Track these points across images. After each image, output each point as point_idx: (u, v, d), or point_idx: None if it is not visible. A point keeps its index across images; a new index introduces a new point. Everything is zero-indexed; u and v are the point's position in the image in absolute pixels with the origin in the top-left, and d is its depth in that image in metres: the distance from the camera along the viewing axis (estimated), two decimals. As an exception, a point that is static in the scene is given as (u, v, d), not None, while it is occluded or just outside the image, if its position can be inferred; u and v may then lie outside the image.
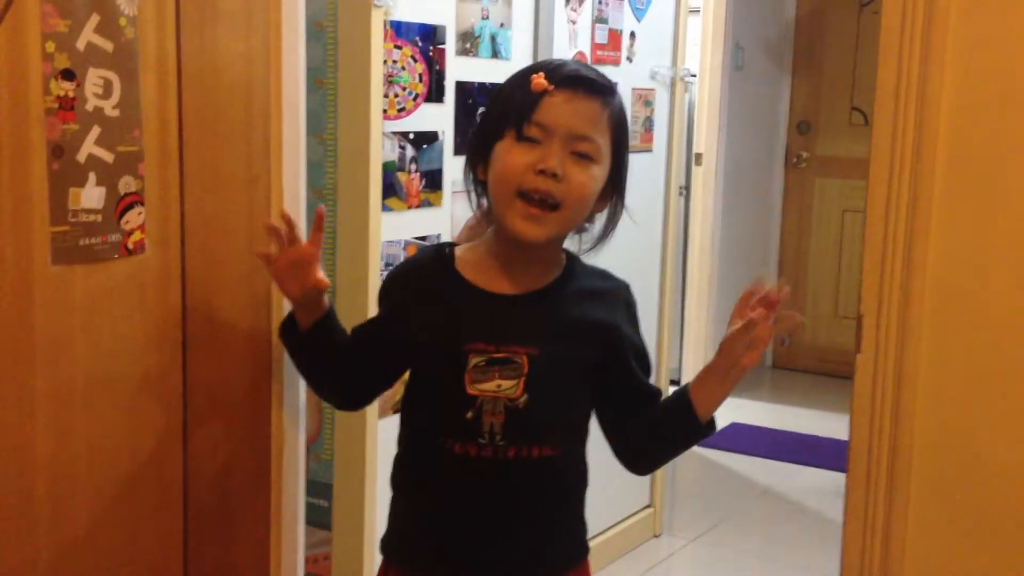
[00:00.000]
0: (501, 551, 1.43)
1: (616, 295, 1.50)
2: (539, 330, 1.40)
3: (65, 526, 1.45)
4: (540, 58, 2.71)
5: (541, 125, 1.34)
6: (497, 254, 1.44)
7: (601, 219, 1.50)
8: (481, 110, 1.50)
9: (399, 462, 1.52)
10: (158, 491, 1.58)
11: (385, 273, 2.30)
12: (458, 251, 1.48)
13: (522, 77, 1.39)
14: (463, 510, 1.43)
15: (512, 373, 1.37)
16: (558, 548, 1.47)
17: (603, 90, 1.38)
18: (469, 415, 1.38)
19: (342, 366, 1.55)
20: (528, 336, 1.39)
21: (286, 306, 1.73)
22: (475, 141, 1.45)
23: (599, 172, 1.38)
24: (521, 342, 1.38)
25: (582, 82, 1.36)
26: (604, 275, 1.52)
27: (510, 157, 1.35)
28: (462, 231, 1.56)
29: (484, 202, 1.46)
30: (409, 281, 1.50)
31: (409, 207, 2.39)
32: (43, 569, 1.43)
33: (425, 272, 1.48)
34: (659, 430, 1.45)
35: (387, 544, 1.53)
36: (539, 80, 1.35)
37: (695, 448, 4.38)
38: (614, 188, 1.44)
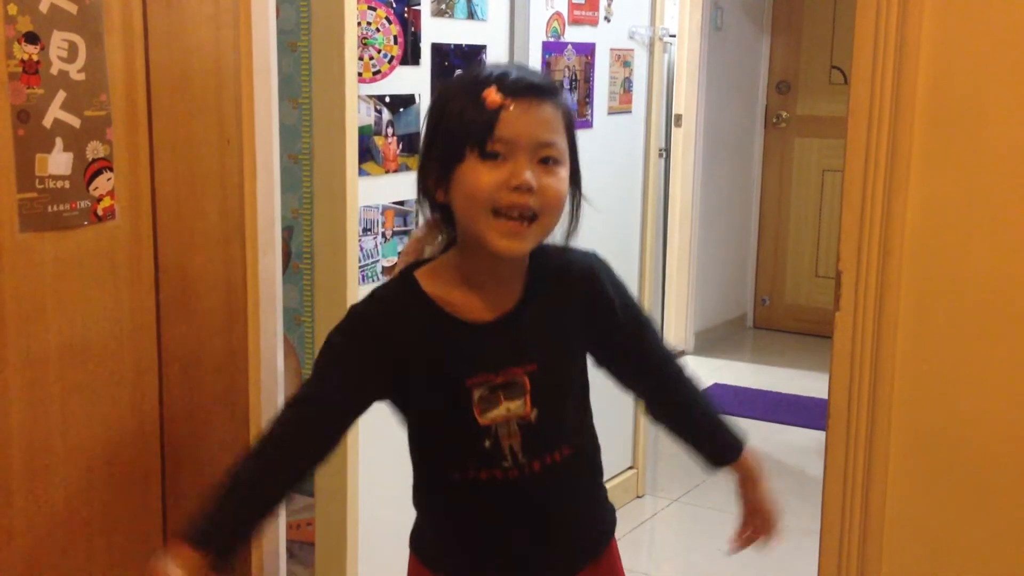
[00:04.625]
0: (544, 557, 1.44)
1: (586, 274, 1.46)
2: (531, 345, 1.39)
3: (41, 496, 1.44)
4: (517, 20, 2.68)
5: (504, 140, 1.31)
6: (467, 275, 1.39)
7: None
8: (423, 129, 1.41)
9: (420, 491, 1.48)
10: (135, 459, 1.57)
11: (363, 241, 2.29)
12: (421, 278, 1.40)
13: (470, 93, 1.33)
14: (501, 532, 1.42)
15: (517, 393, 1.37)
16: (595, 529, 1.50)
17: (553, 92, 1.37)
18: (488, 444, 1.37)
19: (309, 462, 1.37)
20: (522, 354, 1.38)
21: (262, 272, 1.72)
22: (430, 164, 1.37)
23: (565, 173, 1.36)
24: (518, 362, 1.37)
25: (535, 90, 1.33)
26: (567, 255, 1.46)
27: (478, 177, 1.31)
28: (409, 243, 1.49)
29: (436, 216, 1.41)
30: (385, 329, 1.38)
31: (387, 171, 2.37)
32: (19, 539, 1.42)
33: (398, 312, 1.39)
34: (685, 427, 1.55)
35: (420, 548, 1.50)
36: (493, 96, 1.31)
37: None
38: (573, 181, 1.42)
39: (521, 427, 1.37)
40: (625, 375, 1.52)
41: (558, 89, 1.39)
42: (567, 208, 1.41)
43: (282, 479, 1.32)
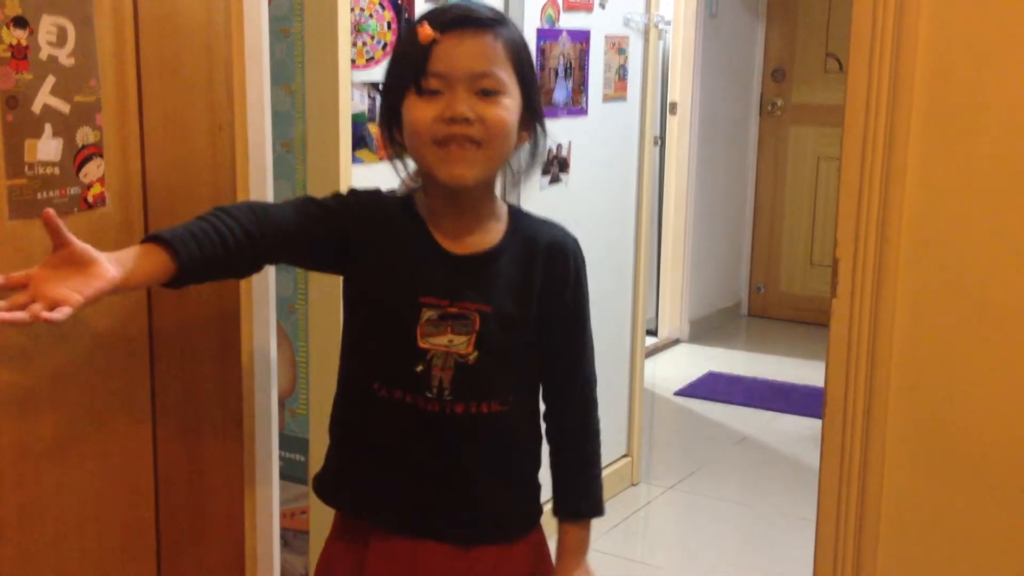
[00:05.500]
0: (444, 504, 1.41)
1: (559, 246, 1.46)
2: (493, 289, 1.39)
3: (30, 486, 1.43)
4: (511, 6, 2.67)
5: (438, 75, 1.32)
6: (439, 209, 1.41)
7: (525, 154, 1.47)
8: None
9: (338, 405, 1.49)
10: (126, 450, 1.56)
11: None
12: (417, 198, 1.45)
13: (410, 32, 1.37)
14: (406, 459, 1.41)
15: (464, 329, 1.36)
16: (507, 506, 1.46)
17: (491, 23, 1.36)
18: (419, 368, 1.36)
19: (251, 253, 1.35)
20: (482, 294, 1.38)
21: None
22: (383, 106, 1.42)
23: (510, 103, 1.36)
24: (475, 299, 1.37)
25: (468, 21, 1.34)
26: (551, 225, 1.48)
27: (417, 113, 1.33)
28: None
29: (410, 164, 1.44)
30: (378, 213, 1.43)
31: (380, 159, 2.35)
32: (11, 528, 1.41)
33: (390, 212, 1.43)
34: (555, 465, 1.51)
35: (321, 486, 1.50)
36: (424, 31, 1.33)
37: (671, 397, 4.41)
38: (532, 116, 1.41)
39: (457, 364, 1.37)
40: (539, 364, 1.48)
41: (502, 20, 1.38)
42: (529, 143, 1.42)
43: (239, 236, 1.30)
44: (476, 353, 1.37)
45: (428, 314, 1.36)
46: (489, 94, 1.33)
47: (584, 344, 1.50)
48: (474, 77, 1.33)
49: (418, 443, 1.40)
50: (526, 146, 1.44)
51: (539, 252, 1.43)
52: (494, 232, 1.42)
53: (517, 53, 1.38)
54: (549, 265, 1.43)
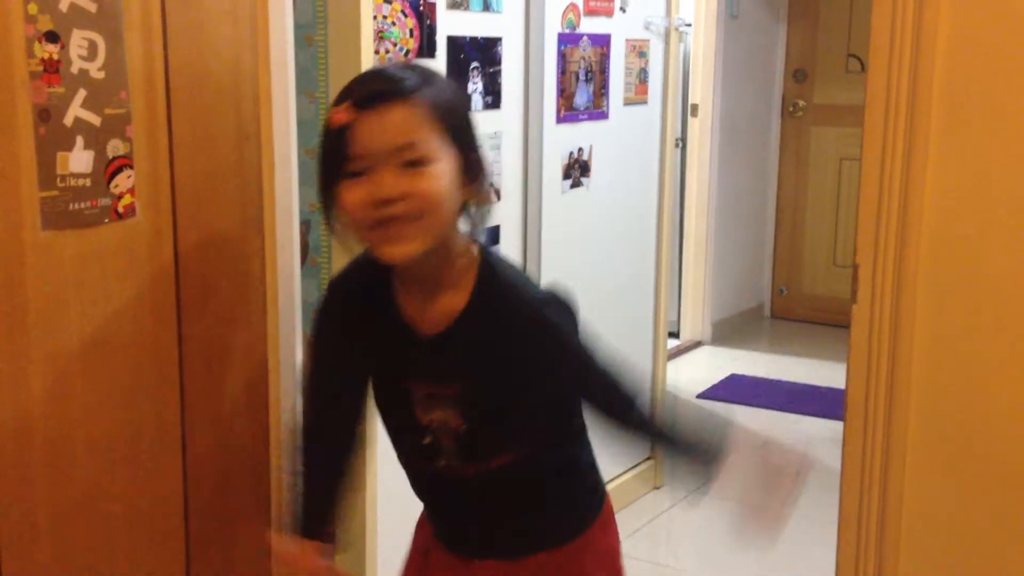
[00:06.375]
0: (486, 539, 1.49)
1: (540, 330, 1.37)
2: (461, 366, 1.37)
3: (63, 490, 1.45)
4: (532, 11, 2.68)
5: (360, 156, 1.27)
6: (403, 279, 1.40)
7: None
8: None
9: None
10: (156, 453, 1.58)
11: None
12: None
13: (327, 116, 1.32)
14: (443, 509, 1.51)
15: (450, 404, 1.39)
16: (548, 524, 1.49)
17: (401, 92, 1.29)
18: (427, 440, 1.41)
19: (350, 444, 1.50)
20: (451, 375, 1.38)
21: (281, 266, 1.73)
22: (320, 191, 1.36)
23: (442, 167, 1.29)
24: (448, 380, 1.38)
25: (377, 97, 1.28)
26: (523, 291, 1.40)
27: (348, 197, 1.29)
28: None
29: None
30: (349, 307, 1.44)
31: (403, 164, 2.37)
32: (43, 532, 1.44)
33: (361, 295, 1.42)
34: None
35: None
36: (336, 116, 1.28)
37: (694, 399, 4.40)
38: (471, 174, 1.35)
39: (455, 435, 1.39)
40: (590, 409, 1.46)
41: (413, 86, 1.30)
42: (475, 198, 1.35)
43: (337, 463, 1.47)
44: (465, 426, 1.38)
45: (419, 393, 1.39)
46: (415, 164, 1.27)
47: (602, 378, 1.40)
48: (396, 151, 1.27)
49: (449, 498, 1.48)
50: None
51: (510, 328, 1.36)
52: (458, 300, 1.37)
53: (444, 114, 1.31)
54: (522, 345, 1.36)
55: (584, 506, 1.52)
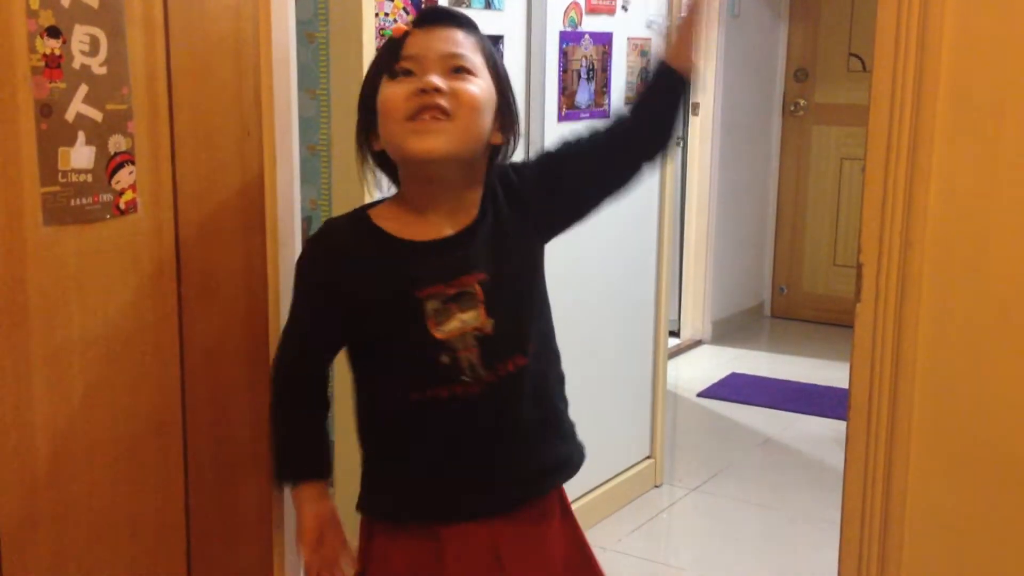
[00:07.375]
0: (506, 474, 1.45)
1: (509, 179, 1.47)
2: (482, 256, 1.39)
3: (65, 486, 1.45)
4: (534, 9, 2.68)
5: (410, 57, 1.36)
6: (411, 202, 1.42)
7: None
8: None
9: (371, 423, 1.50)
10: (158, 448, 1.58)
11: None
12: (372, 211, 1.45)
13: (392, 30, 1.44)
14: (463, 450, 1.43)
15: (471, 304, 1.37)
16: (559, 448, 1.50)
17: (462, 20, 1.41)
18: (446, 359, 1.37)
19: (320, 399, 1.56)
20: (473, 265, 1.38)
21: (282, 263, 1.72)
22: (360, 118, 1.44)
23: (483, 84, 1.38)
24: (469, 271, 1.38)
25: (440, 14, 1.41)
26: (512, 166, 1.50)
27: (388, 92, 1.36)
28: None
29: (384, 177, 1.47)
30: (332, 256, 1.44)
31: (404, 162, 2.37)
32: (44, 529, 1.43)
33: (343, 242, 1.44)
34: (649, 107, 1.51)
35: (376, 507, 1.52)
36: (398, 27, 1.40)
37: (694, 398, 4.40)
38: (506, 116, 1.43)
39: (478, 339, 1.38)
40: (597, 178, 1.52)
41: (472, 23, 1.43)
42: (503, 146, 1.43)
43: (316, 418, 1.53)
44: (491, 321, 1.38)
45: (431, 305, 1.37)
46: (460, 72, 1.36)
47: (563, 145, 1.50)
48: (447, 56, 1.36)
49: (466, 430, 1.42)
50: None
51: (505, 193, 1.45)
52: (468, 206, 1.43)
53: (490, 53, 1.42)
54: (518, 194, 1.45)
55: (575, 444, 1.54)
